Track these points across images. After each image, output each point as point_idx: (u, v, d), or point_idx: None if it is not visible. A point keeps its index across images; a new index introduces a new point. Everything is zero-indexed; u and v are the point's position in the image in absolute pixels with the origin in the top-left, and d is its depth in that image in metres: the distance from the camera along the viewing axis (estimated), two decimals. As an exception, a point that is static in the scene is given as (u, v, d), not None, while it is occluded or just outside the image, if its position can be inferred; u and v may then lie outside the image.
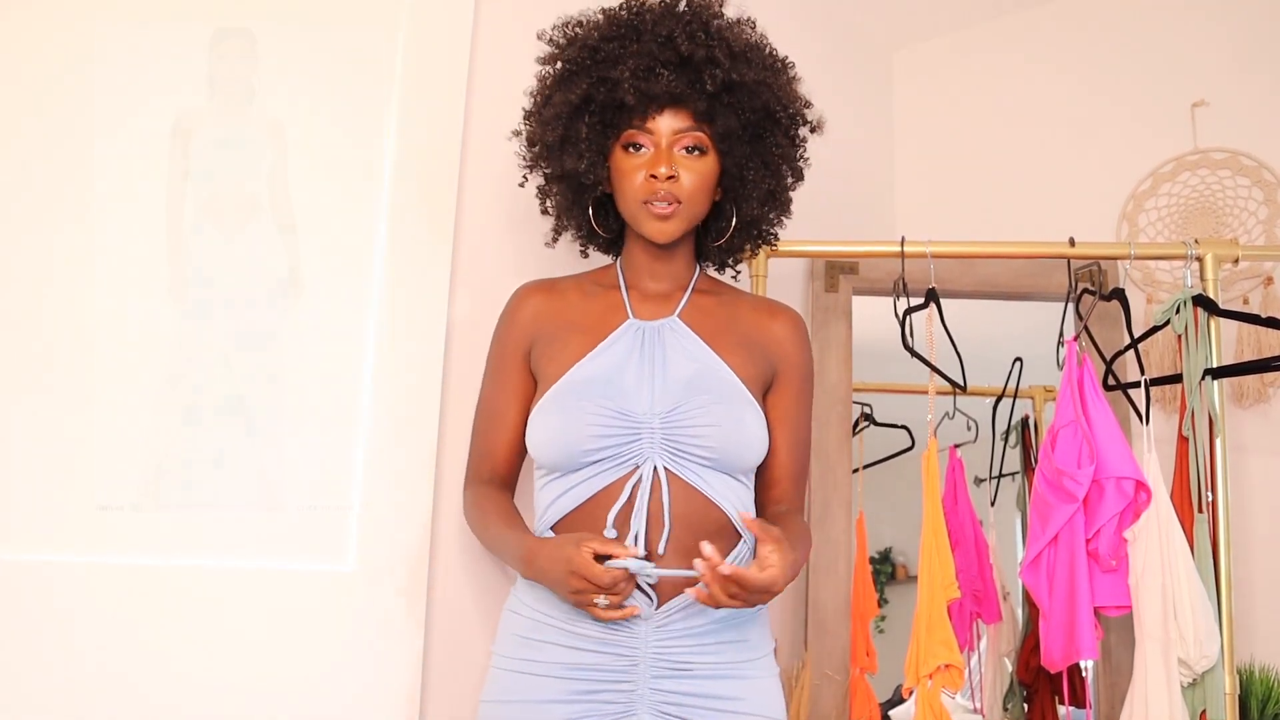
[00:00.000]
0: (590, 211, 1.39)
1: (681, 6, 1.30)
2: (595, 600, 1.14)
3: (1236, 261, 1.72)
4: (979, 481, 2.19)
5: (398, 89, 1.53)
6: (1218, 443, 1.61)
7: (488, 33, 1.67)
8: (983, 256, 1.86)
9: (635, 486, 1.21)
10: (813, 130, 1.40)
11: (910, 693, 1.58)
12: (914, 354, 1.72)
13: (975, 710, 2.09)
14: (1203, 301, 1.65)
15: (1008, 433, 2.18)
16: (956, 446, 2.14)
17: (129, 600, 1.23)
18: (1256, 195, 2.07)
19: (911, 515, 1.71)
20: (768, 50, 1.35)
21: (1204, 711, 1.52)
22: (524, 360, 1.38)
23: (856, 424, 2.13)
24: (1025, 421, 2.19)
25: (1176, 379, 1.69)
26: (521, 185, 1.44)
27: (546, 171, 1.39)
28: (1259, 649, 1.89)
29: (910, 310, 1.73)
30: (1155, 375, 1.89)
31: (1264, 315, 1.69)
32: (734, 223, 1.38)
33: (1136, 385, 1.68)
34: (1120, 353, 1.76)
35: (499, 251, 1.65)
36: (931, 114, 2.59)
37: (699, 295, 1.39)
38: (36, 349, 1.21)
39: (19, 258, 1.21)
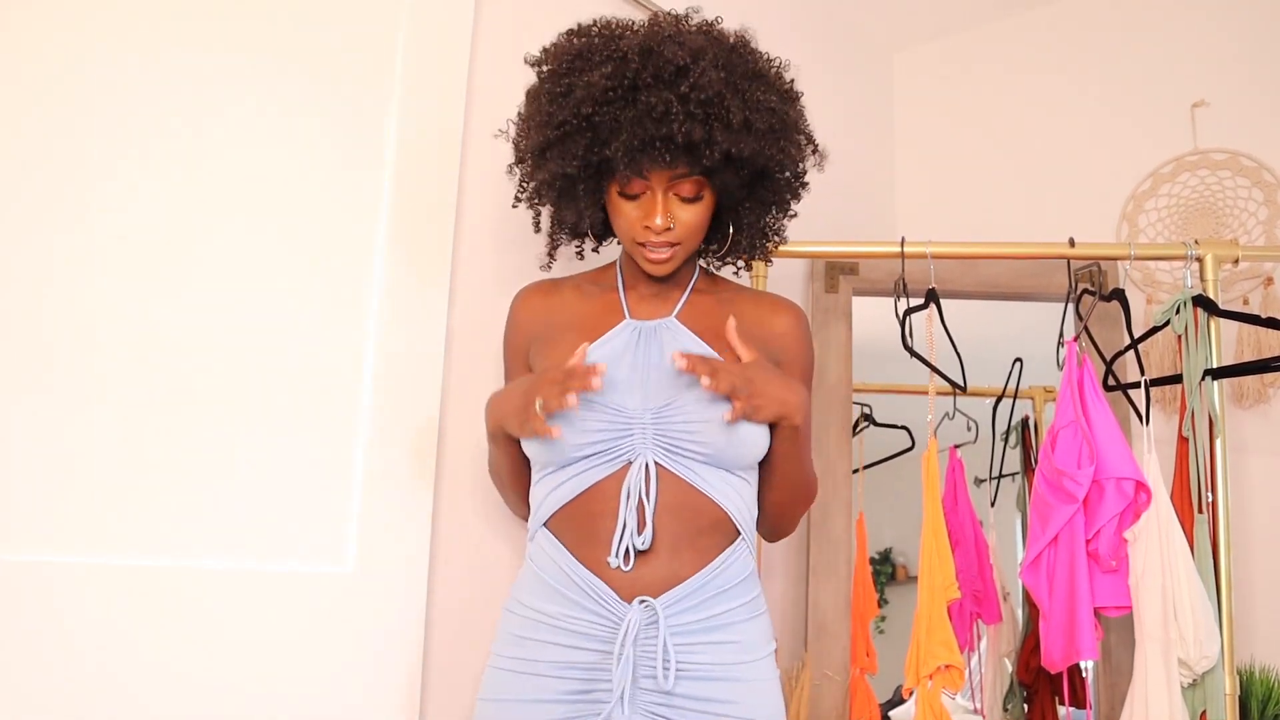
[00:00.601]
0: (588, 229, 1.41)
1: (681, 65, 1.19)
2: (541, 400, 1.15)
3: (1236, 262, 1.72)
4: (979, 482, 2.19)
5: (398, 89, 1.53)
6: (1218, 443, 1.61)
7: (488, 33, 1.67)
8: (983, 257, 1.86)
9: (626, 482, 1.20)
10: (814, 153, 1.36)
11: (910, 693, 1.58)
12: (914, 354, 1.73)
13: (975, 711, 2.09)
14: (1203, 302, 1.65)
15: (1008, 433, 2.18)
16: (956, 447, 2.14)
17: (128, 601, 1.23)
18: (1256, 196, 2.07)
19: (911, 515, 1.71)
20: (770, 105, 1.25)
21: (1204, 712, 1.52)
22: (525, 361, 1.39)
23: (856, 424, 2.13)
24: (1025, 422, 2.19)
25: (1176, 379, 1.69)
26: (515, 208, 1.43)
27: (540, 210, 1.39)
28: (1259, 649, 1.89)
29: (910, 310, 1.73)
30: (1155, 376, 1.89)
31: (1264, 315, 1.69)
32: (730, 238, 1.38)
33: (1136, 386, 1.68)
34: (1120, 353, 1.76)
35: (499, 251, 1.65)
36: (932, 115, 2.59)
37: (697, 295, 1.38)
38: (36, 349, 1.21)
39: (19, 258, 1.21)
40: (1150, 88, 2.25)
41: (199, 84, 1.36)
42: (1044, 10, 2.45)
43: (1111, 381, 1.74)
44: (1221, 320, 1.67)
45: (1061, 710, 1.98)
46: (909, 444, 2.17)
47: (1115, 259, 1.86)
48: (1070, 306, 1.87)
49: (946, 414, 2.13)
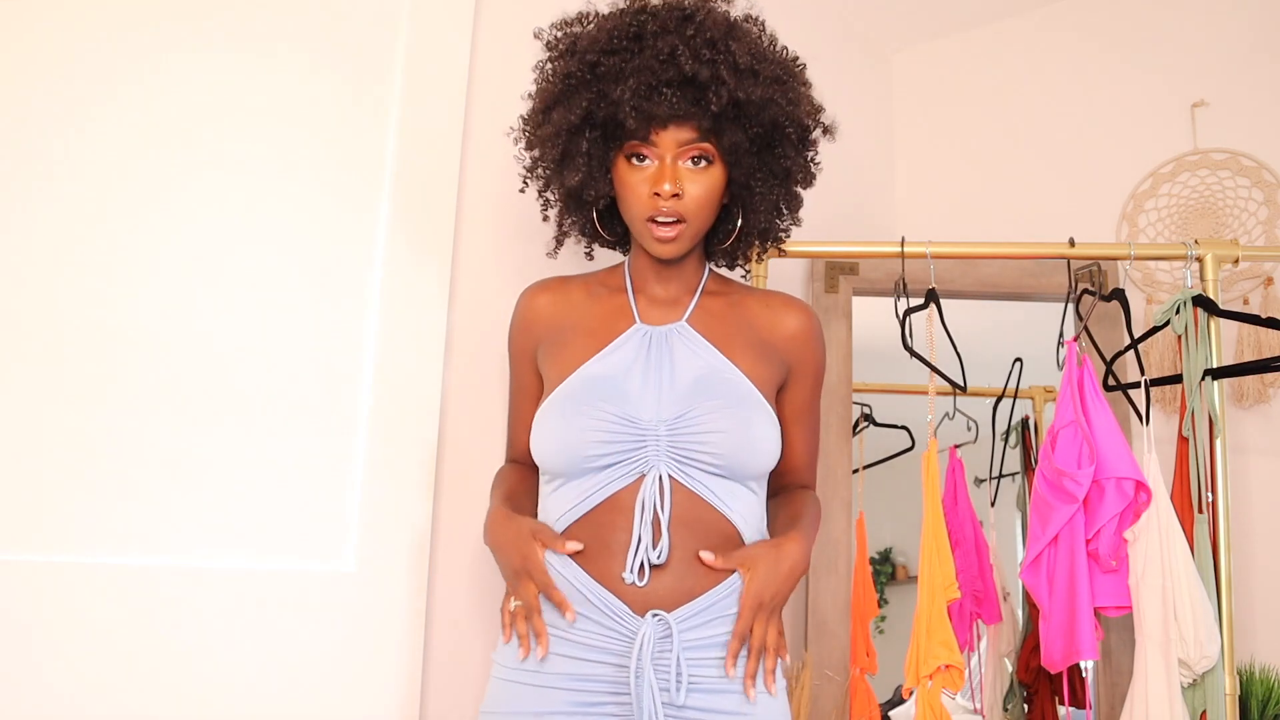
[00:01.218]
0: (595, 215, 1.36)
1: (686, 11, 1.24)
2: (515, 606, 1.18)
3: (1236, 262, 1.72)
4: (979, 482, 2.19)
5: (398, 89, 1.53)
6: (1218, 443, 1.61)
7: (488, 32, 1.67)
8: (983, 257, 1.86)
9: (641, 495, 1.18)
10: (825, 133, 1.35)
11: (910, 693, 1.58)
12: (914, 354, 1.72)
13: (975, 711, 2.09)
14: (1203, 302, 1.65)
15: (1008, 433, 2.18)
16: (956, 447, 2.14)
17: (128, 601, 1.23)
18: (1256, 196, 2.08)
19: (911, 515, 1.71)
20: (777, 57, 1.28)
21: (1204, 712, 1.52)
22: (532, 362, 1.35)
23: (856, 424, 2.13)
24: (1025, 422, 2.20)
25: (1176, 379, 1.69)
26: (522, 191, 1.41)
27: (546, 182, 1.36)
28: (1259, 649, 1.89)
29: (910, 310, 1.73)
30: (1155, 376, 1.89)
31: (1264, 315, 1.69)
32: (740, 227, 1.35)
33: (1136, 386, 1.68)
34: (1120, 353, 1.76)
35: (499, 251, 1.65)
36: (931, 115, 2.59)
37: (708, 297, 1.35)
38: (37, 349, 1.21)
39: (19, 257, 1.21)
40: (1150, 88, 2.25)
41: (199, 83, 1.36)
42: (1044, 11, 2.45)
43: (1111, 381, 1.74)
44: (1221, 320, 1.67)
45: (1061, 710, 1.98)
46: (909, 444, 2.18)
47: (1115, 259, 1.86)
48: (1070, 306, 1.87)
49: (946, 414, 2.13)
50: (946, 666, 1.54)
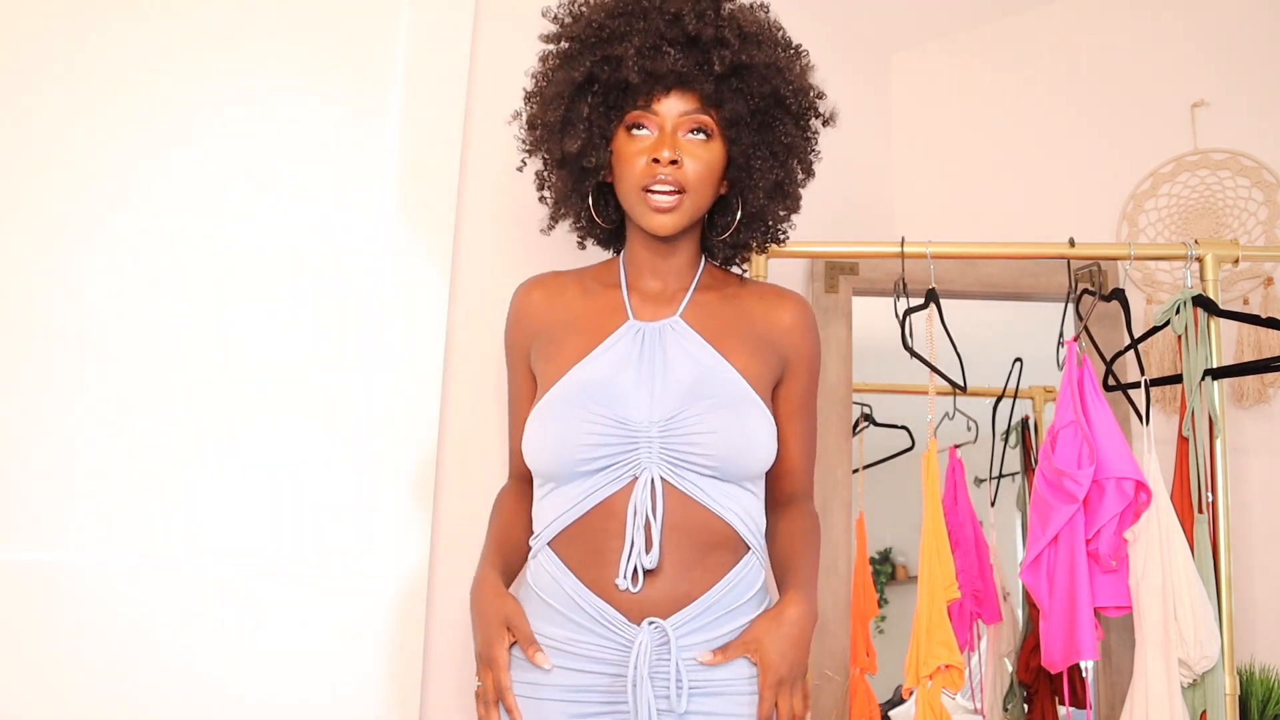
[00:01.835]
0: (590, 199, 1.34)
1: None
2: (481, 692, 1.17)
3: (1236, 262, 1.72)
4: (979, 482, 2.18)
5: (398, 88, 1.53)
6: (1218, 443, 1.61)
7: (488, 31, 1.67)
8: (983, 257, 1.86)
9: (633, 500, 1.16)
10: (825, 123, 1.35)
11: (910, 693, 1.58)
12: (914, 354, 1.72)
13: (975, 711, 2.09)
14: (1203, 302, 1.65)
15: (1008, 433, 2.18)
16: (956, 447, 2.13)
17: (127, 601, 1.23)
18: (1256, 196, 2.07)
19: (911, 515, 1.71)
20: (780, 34, 1.31)
21: (1204, 712, 1.52)
22: (526, 360, 1.34)
23: (856, 424, 2.13)
24: (1025, 422, 2.19)
25: (1176, 379, 1.69)
26: (520, 169, 1.39)
27: (545, 155, 1.33)
28: (1259, 649, 1.89)
29: (910, 310, 1.73)
30: (1155, 376, 1.89)
31: (1264, 315, 1.69)
32: (740, 215, 1.33)
33: (1136, 386, 1.68)
34: (1120, 353, 1.76)
35: (499, 251, 1.65)
36: (931, 115, 2.59)
37: (702, 292, 1.33)
38: (37, 349, 1.21)
39: (19, 257, 1.21)
40: (1150, 88, 2.24)
41: (199, 83, 1.36)
42: (1043, 10, 2.45)
43: (1111, 381, 1.74)
44: (1221, 320, 1.67)
45: (1061, 710, 1.98)
46: (909, 444, 2.17)
47: (1115, 259, 1.86)
48: (1070, 306, 1.87)
49: (946, 414, 2.13)
50: (946, 666, 1.54)
